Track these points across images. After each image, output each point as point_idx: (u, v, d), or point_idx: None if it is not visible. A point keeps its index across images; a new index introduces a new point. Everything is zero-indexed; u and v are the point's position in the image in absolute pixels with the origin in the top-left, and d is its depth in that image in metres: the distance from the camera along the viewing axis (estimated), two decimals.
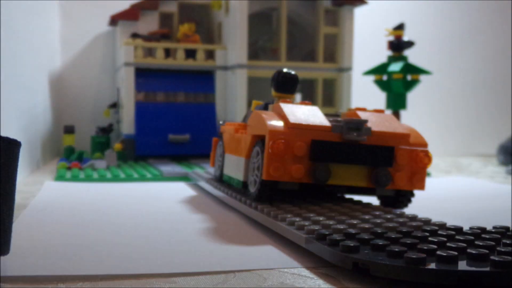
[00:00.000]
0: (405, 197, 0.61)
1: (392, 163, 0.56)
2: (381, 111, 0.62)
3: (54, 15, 1.39)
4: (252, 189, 0.58)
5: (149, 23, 1.23)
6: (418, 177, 0.58)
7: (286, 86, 0.64)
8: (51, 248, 0.45)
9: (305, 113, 0.57)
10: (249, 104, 1.16)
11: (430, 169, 1.21)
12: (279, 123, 0.55)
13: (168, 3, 1.24)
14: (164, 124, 1.13)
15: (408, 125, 0.62)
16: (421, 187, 0.58)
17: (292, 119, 0.55)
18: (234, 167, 0.65)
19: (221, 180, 0.72)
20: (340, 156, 0.54)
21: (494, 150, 1.59)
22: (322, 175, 0.54)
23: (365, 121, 0.56)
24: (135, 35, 1.20)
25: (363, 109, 0.62)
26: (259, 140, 0.57)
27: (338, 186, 0.57)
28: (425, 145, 0.59)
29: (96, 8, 1.42)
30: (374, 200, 0.65)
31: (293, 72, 0.64)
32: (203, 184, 0.78)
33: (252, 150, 0.59)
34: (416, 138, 0.59)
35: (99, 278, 0.38)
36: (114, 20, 1.27)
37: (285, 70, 0.65)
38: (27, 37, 1.03)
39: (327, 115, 0.59)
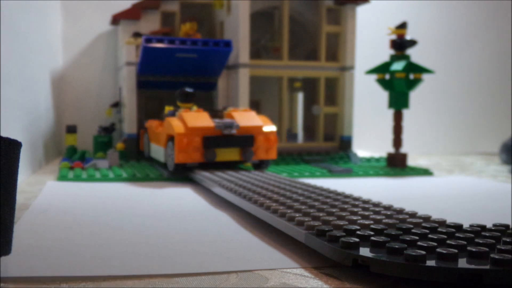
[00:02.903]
0: (264, 164, 0.92)
1: (253, 144, 0.88)
2: (248, 110, 0.93)
3: (56, 14, 1.39)
4: (170, 168, 0.88)
5: (151, 22, 1.23)
6: (271, 151, 0.90)
7: (186, 98, 0.93)
8: (53, 248, 0.45)
9: (198, 119, 0.87)
10: (251, 103, 1.17)
11: (432, 167, 1.21)
12: (182, 127, 0.85)
13: (170, 3, 1.24)
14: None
15: (264, 116, 0.94)
16: (273, 156, 0.90)
17: (190, 124, 0.85)
18: (157, 153, 0.97)
19: (150, 159, 1.06)
20: (222, 144, 0.86)
21: (496, 148, 1.59)
22: (211, 156, 0.85)
23: (235, 121, 0.87)
24: (137, 34, 1.20)
25: (236, 110, 0.93)
26: (170, 137, 0.88)
27: (222, 162, 0.87)
28: (274, 132, 0.90)
29: (98, 7, 1.42)
30: (372, 198, 0.64)
31: (191, 90, 0.94)
32: (204, 183, 0.78)
33: (167, 143, 0.89)
34: (268, 126, 0.90)
35: (102, 279, 0.38)
36: (116, 20, 1.28)
37: (185, 89, 0.94)
38: (29, 36, 1.03)
39: (215, 111, 0.94)
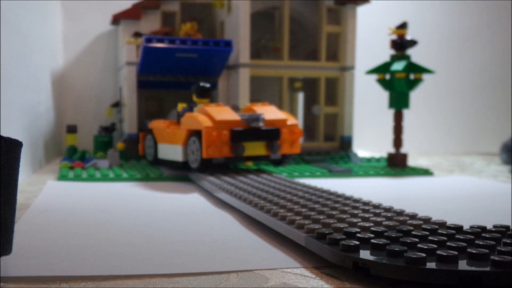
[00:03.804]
0: (287, 158, 0.89)
1: (279, 138, 0.85)
2: (267, 104, 0.91)
3: (56, 14, 1.39)
4: (194, 165, 0.83)
5: (151, 22, 1.23)
6: (295, 144, 0.88)
7: (204, 94, 0.89)
8: (54, 248, 0.45)
9: (222, 112, 0.83)
10: (251, 102, 1.17)
11: (433, 168, 1.21)
12: (209, 121, 0.81)
13: (170, 2, 1.24)
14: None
15: (287, 112, 0.94)
16: (297, 151, 0.88)
17: (217, 117, 0.81)
18: (171, 153, 0.89)
19: (157, 162, 0.96)
20: (249, 137, 0.83)
21: (497, 149, 1.59)
22: (240, 150, 0.81)
23: (261, 114, 0.84)
24: (137, 34, 1.20)
25: (256, 104, 0.90)
26: (194, 132, 0.83)
27: (250, 156, 0.84)
28: (297, 124, 0.88)
29: (98, 7, 1.42)
30: (372, 198, 0.65)
31: (207, 85, 0.90)
32: (204, 184, 0.78)
33: (189, 139, 0.84)
34: (291, 120, 0.88)
35: (102, 278, 0.38)
36: (117, 19, 1.28)
37: (201, 84, 0.90)
38: (29, 36, 1.03)
39: (232, 106, 0.88)
